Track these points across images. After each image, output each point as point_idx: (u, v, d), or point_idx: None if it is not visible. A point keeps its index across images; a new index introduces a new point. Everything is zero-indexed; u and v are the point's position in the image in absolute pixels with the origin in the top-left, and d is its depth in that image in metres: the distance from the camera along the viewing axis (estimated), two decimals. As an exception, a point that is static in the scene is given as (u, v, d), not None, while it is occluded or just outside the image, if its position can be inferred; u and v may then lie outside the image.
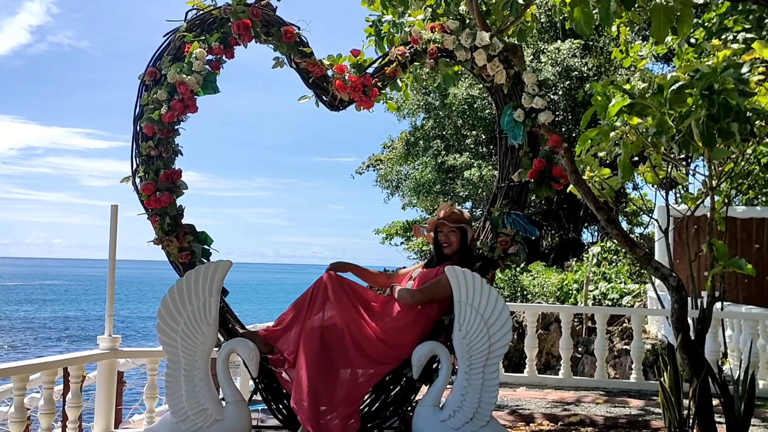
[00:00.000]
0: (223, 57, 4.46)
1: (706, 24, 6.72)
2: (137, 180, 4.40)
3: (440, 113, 22.42)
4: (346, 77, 4.52)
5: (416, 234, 4.95)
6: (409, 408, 4.37)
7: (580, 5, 4.31)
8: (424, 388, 4.35)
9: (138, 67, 4.51)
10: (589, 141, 4.52)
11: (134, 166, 4.43)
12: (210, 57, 4.40)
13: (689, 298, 5.14)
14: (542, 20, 19.34)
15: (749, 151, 5.33)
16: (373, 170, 27.78)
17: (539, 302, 13.94)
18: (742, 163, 5.45)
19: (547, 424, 5.66)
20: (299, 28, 4.54)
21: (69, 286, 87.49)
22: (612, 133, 4.41)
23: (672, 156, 5.11)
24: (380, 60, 4.72)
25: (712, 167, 5.08)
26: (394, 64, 4.61)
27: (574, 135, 18.10)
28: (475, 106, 21.04)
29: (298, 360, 4.06)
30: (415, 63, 4.70)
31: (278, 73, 4.74)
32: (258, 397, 4.53)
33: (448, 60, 4.71)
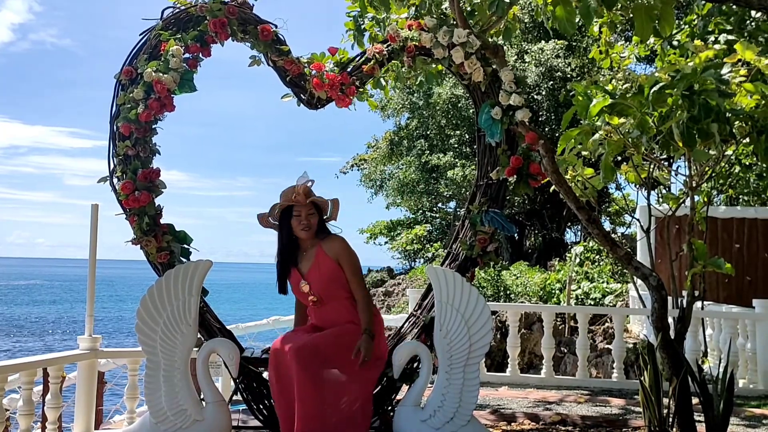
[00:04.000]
0: (200, 55, 4.44)
1: (688, 25, 6.74)
2: (115, 180, 4.37)
3: (424, 113, 22.42)
4: (324, 75, 4.51)
5: (264, 222, 4.32)
6: (390, 408, 4.37)
7: (562, 4, 4.30)
8: (404, 388, 4.35)
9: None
10: (572, 140, 4.52)
11: (111, 166, 4.40)
12: (187, 55, 4.37)
13: (670, 298, 5.15)
14: (526, 21, 19.37)
15: (730, 151, 5.35)
16: (358, 170, 27.76)
17: (522, 302, 13.96)
18: (723, 163, 5.48)
19: (529, 424, 5.67)
20: (276, 26, 4.53)
21: (50, 285, 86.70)
22: (596, 135, 4.41)
23: (653, 156, 5.12)
24: (358, 58, 4.72)
25: (694, 167, 5.09)
26: (372, 62, 4.60)
27: (557, 135, 18.15)
28: (459, 105, 21.07)
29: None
30: (395, 61, 4.69)
31: (261, 72, 4.72)
32: (239, 397, 4.51)
33: (426, 58, 4.70)
